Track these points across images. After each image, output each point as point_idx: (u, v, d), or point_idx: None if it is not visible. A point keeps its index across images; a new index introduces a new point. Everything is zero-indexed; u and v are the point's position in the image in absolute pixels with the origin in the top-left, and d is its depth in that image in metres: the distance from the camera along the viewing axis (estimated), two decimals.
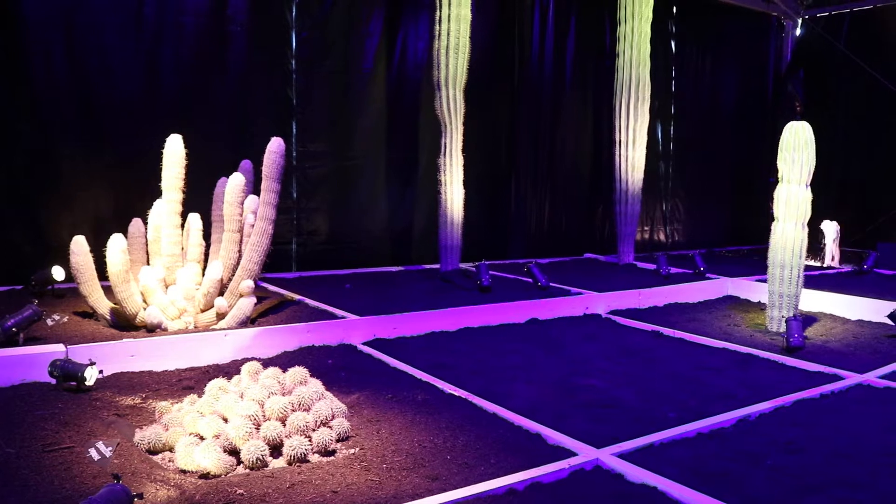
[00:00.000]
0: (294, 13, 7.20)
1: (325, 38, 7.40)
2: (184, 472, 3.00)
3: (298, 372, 3.59)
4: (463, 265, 7.39)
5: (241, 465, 3.08)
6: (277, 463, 3.14)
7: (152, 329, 4.62)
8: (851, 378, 4.66)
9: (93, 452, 3.04)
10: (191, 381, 4.08)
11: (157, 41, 6.47)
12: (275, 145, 5.02)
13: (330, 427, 3.36)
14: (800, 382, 4.56)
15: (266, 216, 5.02)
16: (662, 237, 10.56)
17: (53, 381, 3.82)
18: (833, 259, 9.09)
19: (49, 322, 4.60)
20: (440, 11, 6.95)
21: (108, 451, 3.06)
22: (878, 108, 10.35)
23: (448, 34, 6.95)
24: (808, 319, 6.23)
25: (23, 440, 3.16)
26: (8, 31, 5.82)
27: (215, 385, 3.53)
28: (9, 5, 5.78)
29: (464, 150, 7.23)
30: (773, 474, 3.17)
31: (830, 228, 9.12)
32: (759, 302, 6.91)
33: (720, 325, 6.11)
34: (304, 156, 7.37)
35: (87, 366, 3.80)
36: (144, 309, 4.66)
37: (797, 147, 5.66)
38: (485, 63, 8.13)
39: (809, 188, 5.78)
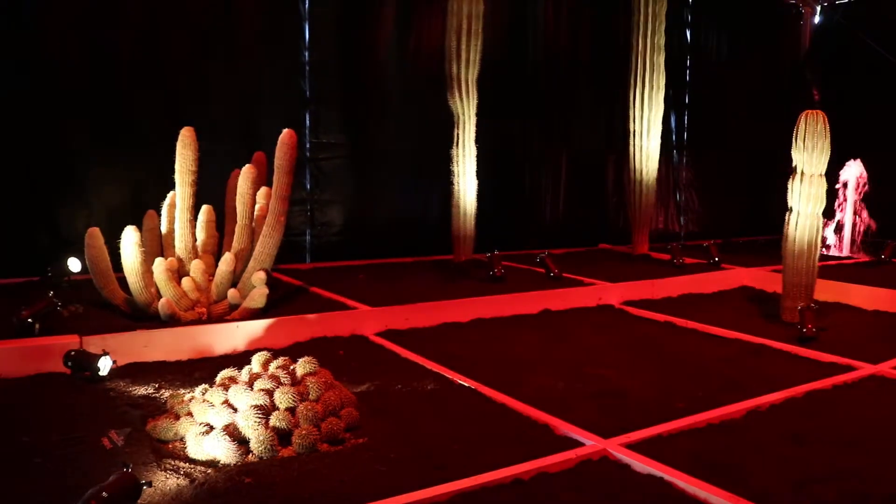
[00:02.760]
0: (307, 4, 7.21)
1: (338, 30, 7.41)
2: (194, 461, 3.04)
3: (308, 362, 3.61)
4: (476, 256, 7.39)
5: (251, 454, 3.12)
6: (286, 452, 3.17)
7: (166, 320, 4.67)
8: (865, 369, 4.62)
9: (106, 441, 3.10)
10: (204, 372, 4.12)
11: (169, 34, 6.51)
12: (286, 137, 5.03)
13: (338, 417, 3.39)
14: (813, 373, 4.53)
15: (278, 208, 5.04)
16: (677, 227, 10.50)
17: (68, 372, 3.88)
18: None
19: (65, 313, 4.66)
20: (454, 2, 6.94)
21: (120, 440, 3.12)
22: None
23: (461, 24, 6.94)
24: (823, 309, 6.18)
25: (37, 430, 3.22)
26: (23, 30, 5.87)
27: (226, 375, 3.57)
28: (23, 7, 5.84)
29: (477, 141, 7.23)
30: (781, 465, 3.16)
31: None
32: (774, 293, 6.86)
33: (734, 316, 6.07)
34: (317, 147, 7.40)
35: (100, 356, 3.86)
36: (158, 300, 4.71)
37: (812, 135, 5.60)
38: (498, 53, 8.10)
39: (825, 177, 5.72)
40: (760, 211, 11.08)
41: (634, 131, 8.34)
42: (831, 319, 5.91)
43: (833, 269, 7.61)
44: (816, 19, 11.33)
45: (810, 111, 5.67)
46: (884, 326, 5.83)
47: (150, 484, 2.58)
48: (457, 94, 7.05)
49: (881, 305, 6.43)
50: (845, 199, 9.11)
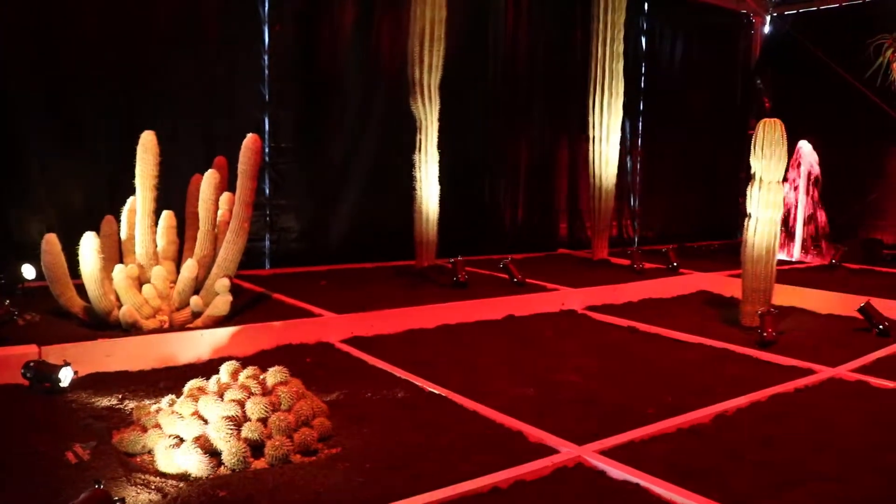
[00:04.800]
0: (267, 7, 7.12)
1: (298, 33, 7.33)
2: (164, 474, 2.95)
3: (278, 371, 3.54)
4: (438, 261, 7.37)
5: (222, 466, 3.04)
6: (258, 464, 3.11)
7: (127, 328, 4.55)
8: (824, 372, 4.73)
9: (70, 456, 2.99)
10: (168, 382, 4.02)
11: (126, 35, 6.35)
12: (251, 142, 4.92)
13: (311, 427, 3.33)
14: (774, 377, 4.61)
15: (242, 214, 4.94)
16: (635, 233, 10.64)
17: (27, 384, 3.75)
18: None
19: (20, 322, 4.50)
20: (416, 7, 6.92)
21: (85, 454, 3.01)
22: (844, 106, 10.48)
23: (423, 30, 6.93)
24: (781, 314, 6.30)
25: None
26: None
27: (194, 385, 3.47)
28: None
29: (439, 147, 7.22)
30: (755, 469, 3.21)
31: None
32: (732, 297, 6.97)
33: (694, 320, 6.16)
34: (277, 152, 7.31)
35: (61, 367, 3.74)
36: (118, 308, 4.58)
37: (770, 143, 5.72)
38: (460, 59, 8.08)
39: (781, 184, 5.85)
40: (717, 216, 11.28)
41: (594, 137, 8.41)
42: (787, 323, 6.04)
43: (787, 274, 7.77)
44: (766, 29, 11.60)
45: (768, 119, 5.80)
46: (837, 330, 5.97)
47: (123, 501, 2.50)
48: (419, 100, 7.03)
49: (834, 309, 6.58)
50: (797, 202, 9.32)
